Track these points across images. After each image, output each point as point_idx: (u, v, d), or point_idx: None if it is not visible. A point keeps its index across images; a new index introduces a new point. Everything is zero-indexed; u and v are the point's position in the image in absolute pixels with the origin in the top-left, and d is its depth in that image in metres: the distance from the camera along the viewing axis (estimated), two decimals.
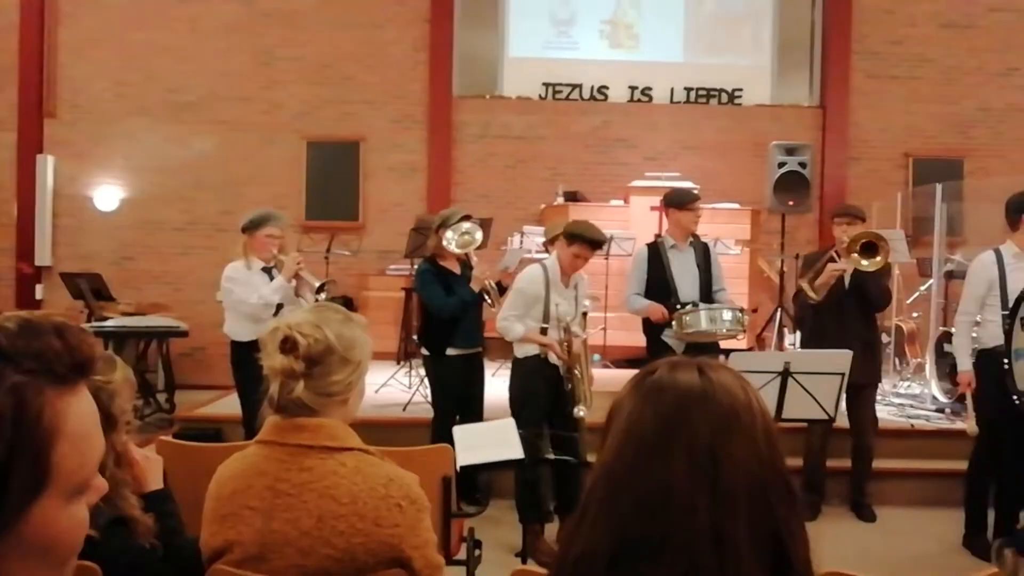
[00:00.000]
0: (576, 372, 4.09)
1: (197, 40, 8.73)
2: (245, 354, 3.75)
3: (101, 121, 8.73)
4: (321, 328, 1.56)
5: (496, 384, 5.78)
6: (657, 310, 4.46)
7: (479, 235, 4.48)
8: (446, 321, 4.45)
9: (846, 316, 4.60)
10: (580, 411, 4.02)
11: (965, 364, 4.26)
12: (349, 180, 8.74)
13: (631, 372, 1.11)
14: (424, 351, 4.67)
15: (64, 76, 8.77)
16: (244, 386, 4.25)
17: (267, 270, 4.35)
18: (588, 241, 4.10)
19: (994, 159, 8.85)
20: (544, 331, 4.15)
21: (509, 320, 4.15)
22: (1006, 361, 3.97)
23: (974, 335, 4.34)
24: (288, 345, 1.53)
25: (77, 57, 8.74)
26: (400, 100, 8.83)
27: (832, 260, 4.64)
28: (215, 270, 4.41)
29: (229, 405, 5.43)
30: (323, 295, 4.24)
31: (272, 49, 8.75)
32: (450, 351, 4.47)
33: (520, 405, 4.17)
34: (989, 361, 4.14)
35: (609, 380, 5.26)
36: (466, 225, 4.47)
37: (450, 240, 4.44)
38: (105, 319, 6.88)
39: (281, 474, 1.55)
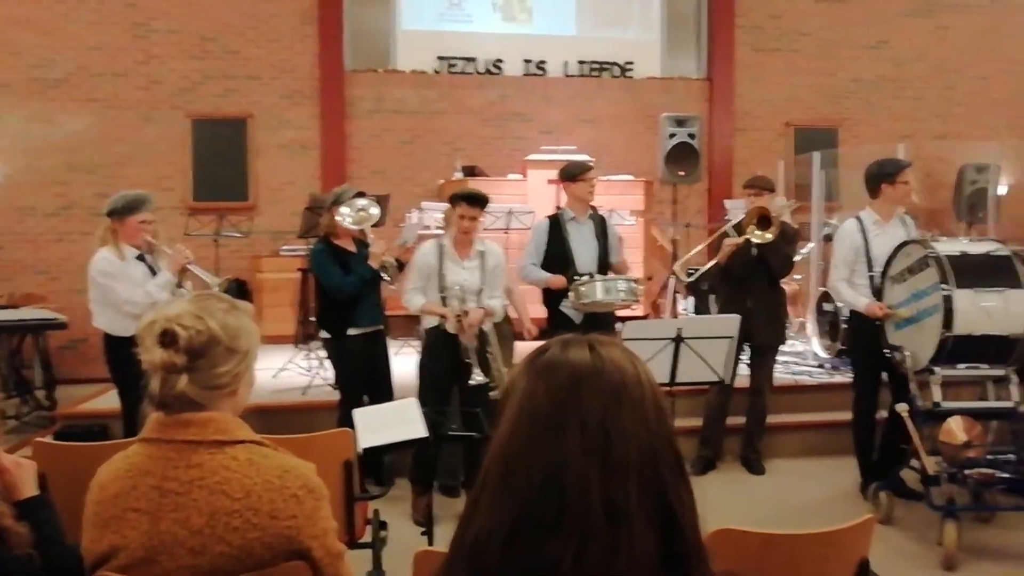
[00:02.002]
0: (477, 343, 4.12)
1: (63, 12, 8.14)
2: (125, 350, 3.48)
3: None
4: (203, 319, 1.49)
5: (400, 362, 5.72)
6: (557, 280, 4.56)
7: (375, 211, 4.40)
8: (345, 301, 4.37)
9: (753, 284, 4.84)
10: (476, 379, 4.03)
11: (863, 301, 4.35)
12: (237, 159, 8.41)
13: (533, 344, 1.12)
14: (324, 333, 4.58)
15: None
16: (125, 384, 4.00)
17: (141, 258, 4.03)
18: (463, 198, 4.16)
19: (865, 127, 9.40)
20: (444, 302, 4.16)
21: (409, 293, 4.24)
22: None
23: (840, 305, 4.64)
24: (168, 338, 1.45)
25: None
26: (288, 75, 8.53)
27: (726, 235, 4.91)
28: None
29: (115, 399, 5.14)
30: (218, 290, 4.03)
31: (147, 21, 8.27)
32: (351, 331, 4.40)
33: (421, 378, 4.20)
34: (861, 320, 4.43)
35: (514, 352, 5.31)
36: (362, 201, 4.38)
37: (345, 216, 4.34)
38: None
39: (168, 472, 1.48)
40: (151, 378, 1.49)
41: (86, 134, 8.17)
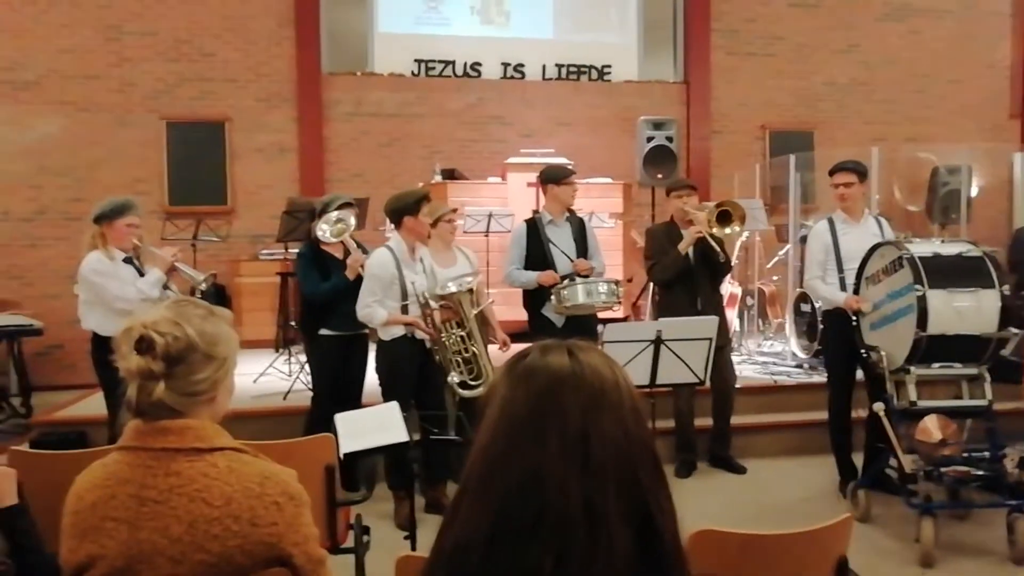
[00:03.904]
0: (445, 342, 4.17)
1: (34, 14, 8.03)
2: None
3: None
4: (180, 325, 1.47)
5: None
6: (548, 276, 4.59)
7: (352, 220, 4.49)
8: (320, 305, 4.44)
9: (697, 285, 4.86)
10: (454, 378, 4.08)
11: (841, 296, 4.39)
12: (215, 162, 8.34)
13: (514, 347, 1.12)
14: (303, 334, 4.66)
15: None
16: (111, 385, 4.02)
17: (128, 261, 4.14)
18: (428, 198, 4.28)
19: (840, 130, 9.51)
20: (405, 309, 4.17)
21: (371, 307, 4.15)
22: (855, 318, 4.31)
23: (818, 305, 4.69)
24: (144, 345, 1.44)
25: None
26: (265, 78, 8.48)
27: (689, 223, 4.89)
28: (69, 262, 4.13)
29: (92, 405, 5.11)
30: (204, 286, 4.19)
31: (120, 24, 8.18)
32: (323, 331, 4.46)
33: (390, 388, 4.18)
34: (834, 320, 4.49)
35: (492, 356, 5.31)
36: (335, 214, 4.45)
37: (325, 231, 4.44)
38: None
39: (147, 481, 1.46)
40: (128, 385, 1.47)
41: (58, 137, 8.07)
